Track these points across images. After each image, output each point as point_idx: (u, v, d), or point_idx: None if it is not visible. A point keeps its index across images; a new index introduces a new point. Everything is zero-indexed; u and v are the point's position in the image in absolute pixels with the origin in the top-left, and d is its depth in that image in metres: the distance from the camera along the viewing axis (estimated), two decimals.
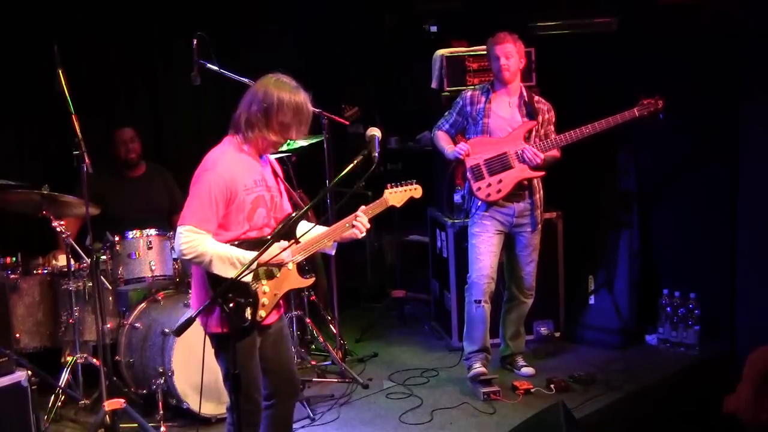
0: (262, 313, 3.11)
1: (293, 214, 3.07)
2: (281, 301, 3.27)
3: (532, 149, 4.41)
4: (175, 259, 4.55)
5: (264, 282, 3.12)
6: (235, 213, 3.08)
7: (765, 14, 4.53)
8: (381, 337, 5.69)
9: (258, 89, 3.13)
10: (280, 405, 3.35)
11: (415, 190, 3.42)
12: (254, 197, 3.12)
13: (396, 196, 3.39)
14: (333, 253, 3.41)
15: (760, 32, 4.62)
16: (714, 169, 5.11)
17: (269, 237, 3.06)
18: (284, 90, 3.10)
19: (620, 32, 5.18)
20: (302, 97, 3.12)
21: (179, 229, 3.01)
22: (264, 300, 3.12)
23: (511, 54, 4.43)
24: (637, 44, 5.23)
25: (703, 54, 4.99)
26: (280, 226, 3.01)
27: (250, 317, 3.07)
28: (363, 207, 3.29)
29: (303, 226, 3.27)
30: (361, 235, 3.25)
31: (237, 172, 3.07)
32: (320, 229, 3.29)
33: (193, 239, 2.97)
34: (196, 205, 3.02)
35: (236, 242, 3.07)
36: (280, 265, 3.14)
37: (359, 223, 3.22)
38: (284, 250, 3.04)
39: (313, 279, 3.32)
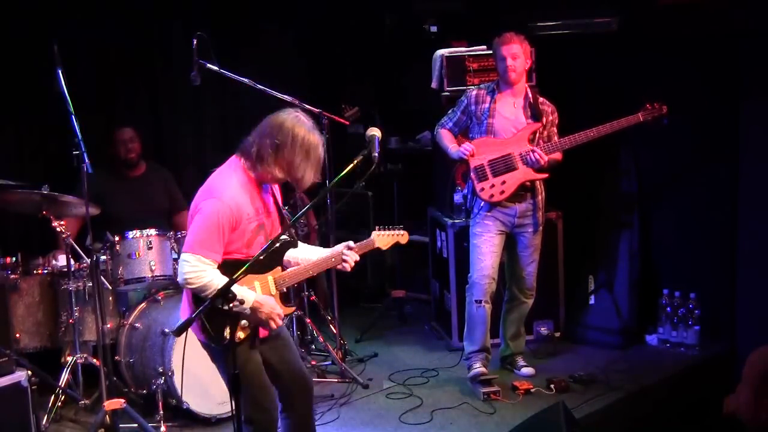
0: (240, 334, 3.08)
1: (273, 240, 2.97)
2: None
3: (539, 151, 4.41)
4: (175, 259, 4.55)
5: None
6: (236, 240, 3.09)
7: (764, 14, 4.53)
8: (381, 337, 5.69)
9: (274, 122, 3.11)
10: (297, 409, 3.33)
11: (402, 236, 3.48)
12: (255, 225, 3.13)
13: (383, 239, 3.45)
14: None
15: (759, 32, 4.62)
16: (714, 169, 5.11)
17: (252, 257, 3.00)
18: (300, 128, 3.07)
19: (620, 32, 5.18)
20: (316, 139, 3.09)
21: (184, 255, 3.00)
22: (243, 321, 3.09)
23: (517, 55, 4.43)
24: (637, 44, 5.23)
25: (703, 54, 4.99)
26: (261, 251, 2.93)
27: (228, 336, 3.01)
28: (351, 243, 3.31)
29: (293, 253, 3.29)
30: (349, 269, 3.28)
31: (242, 201, 3.08)
32: (309, 255, 3.31)
33: (201, 270, 2.98)
34: (204, 233, 3.01)
35: (224, 259, 3.08)
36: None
37: (349, 259, 3.26)
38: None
39: (294, 309, 3.34)
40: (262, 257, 2.90)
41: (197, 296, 3.06)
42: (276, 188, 3.33)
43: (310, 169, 3.09)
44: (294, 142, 3.05)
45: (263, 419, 3.15)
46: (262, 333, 3.19)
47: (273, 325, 3.10)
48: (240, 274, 2.78)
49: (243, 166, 3.15)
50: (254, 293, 3.09)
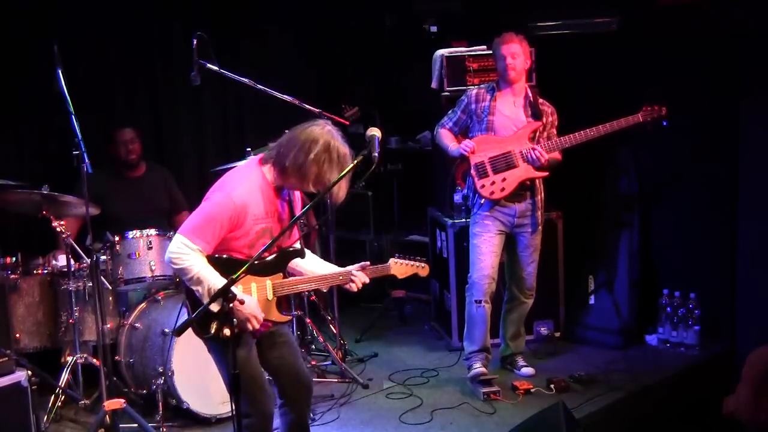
0: (226, 331, 3.04)
1: (271, 243, 3.00)
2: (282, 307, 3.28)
3: (540, 149, 4.42)
4: None
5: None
6: (239, 238, 3.11)
7: (764, 14, 4.53)
8: (381, 337, 5.69)
9: (308, 134, 3.08)
10: (295, 406, 3.35)
11: (423, 269, 3.39)
12: (261, 228, 3.13)
13: (400, 267, 3.36)
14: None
15: (759, 32, 4.62)
16: (714, 169, 5.11)
17: (249, 259, 3.01)
18: (333, 141, 3.06)
19: (620, 32, 5.18)
20: (347, 152, 3.08)
21: (176, 235, 3.06)
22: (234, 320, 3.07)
23: (517, 54, 4.44)
24: (637, 44, 5.23)
25: (703, 54, 4.99)
26: (257, 254, 2.95)
27: (212, 332, 3.05)
28: (364, 263, 3.28)
29: (301, 263, 3.30)
30: (355, 290, 3.25)
31: (251, 201, 3.09)
32: (316, 268, 3.31)
33: (185, 253, 3.02)
34: (200, 220, 3.06)
35: (224, 256, 3.10)
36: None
37: (357, 280, 3.22)
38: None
39: (290, 318, 3.31)
40: (257, 261, 2.91)
41: (191, 293, 3.09)
42: (297, 196, 3.33)
43: (344, 181, 3.07)
44: (330, 155, 3.04)
45: (258, 413, 3.16)
46: (264, 328, 3.19)
47: (249, 327, 3.08)
48: (240, 275, 2.78)
49: (263, 170, 3.16)
50: (236, 291, 3.04)
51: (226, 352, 3.04)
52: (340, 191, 3.10)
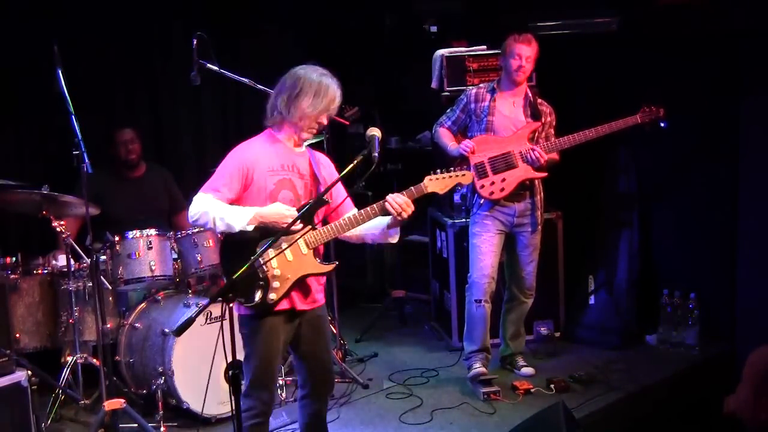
0: (272, 296, 3.12)
1: (310, 201, 3.09)
2: (319, 292, 3.32)
3: (539, 150, 4.42)
4: (175, 259, 4.55)
5: (275, 265, 3.12)
6: (257, 192, 3.17)
7: (764, 14, 4.53)
8: (381, 337, 5.69)
9: (286, 75, 3.20)
10: (314, 398, 3.38)
11: (464, 177, 3.21)
12: (279, 179, 3.19)
13: (437, 183, 3.19)
14: (394, 240, 3.34)
15: (759, 32, 4.62)
16: (714, 169, 5.11)
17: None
18: (310, 72, 3.17)
19: (620, 32, 5.18)
20: (327, 81, 3.16)
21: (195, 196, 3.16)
22: (275, 283, 3.12)
23: (530, 58, 4.44)
24: (636, 44, 5.23)
25: (703, 54, 5.00)
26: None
27: (259, 299, 3.10)
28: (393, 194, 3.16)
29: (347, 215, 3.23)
30: (405, 216, 3.11)
31: (261, 154, 3.19)
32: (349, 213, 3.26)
33: (200, 202, 3.11)
34: (212, 177, 3.17)
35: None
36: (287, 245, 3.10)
37: (394, 202, 3.08)
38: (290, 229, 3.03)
39: (333, 266, 3.25)
40: (253, 258, 2.92)
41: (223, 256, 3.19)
42: (321, 158, 3.36)
43: (325, 105, 3.16)
44: (304, 83, 3.14)
45: (260, 395, 3.18)
46: (300, 306, 3.22)
47: (283, 224, 3.05)
48: (241, 272, 2.79)
49: (270, 131, 3.28)
50: (253, 209, 3.10)
51: (252, 328, 3.13)
52: (318, 114, 3.16)
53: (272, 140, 3.26)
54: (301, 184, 3.25)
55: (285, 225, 3.04)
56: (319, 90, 3.15)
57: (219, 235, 3.52)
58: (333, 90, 3.19)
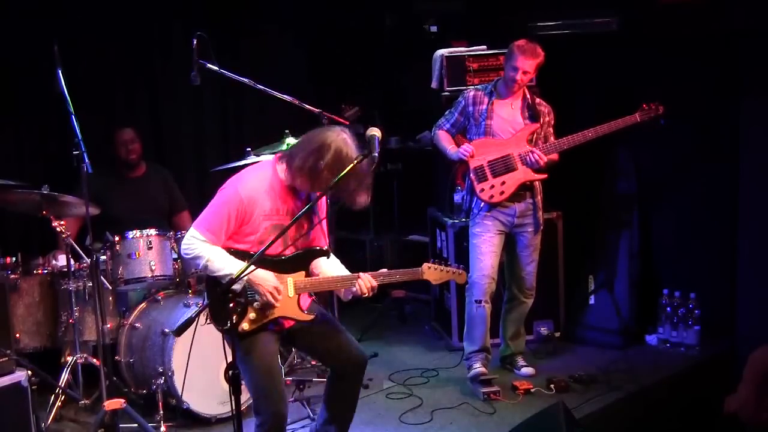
0: (245, 325, 3.16)
1: (268, 245, 3.00)
2: (307, 299, 3.35)
3: (538, 152, 4.42)
4: (175, 259, 4.55)
5: (257, 298, 3.17)
6: (248, 233, 3.19)
7: (764, 14, 4.53)
8: (381, 337, 5.69)
9: (319, 139, 3.13)
10: (347, 380, 3.45)
11: (459, 276, 3.37)
12: (270, 224, 3.19)
13: (433, 272, 3.34)
14: (345, 298, 3.42)
15: (759, 32, 4.62)
16: (714, 169, 5.11)
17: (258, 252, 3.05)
18: (340, 144, 3.10)
19: (620, 32, 5.18)
20: (354, 155, 3.09)
21: (190, 228, 3.18)
22: (252, 314, 3.17)
23: (529, 72, 4.40)
24: (637, 44, 5.23)
25: (703, 54, 4.99)
26: (257, 254, 2.96)
27: (230, 326, 3.09)
28: (384, 270, 3.31)
29: (323, 264, 3.33)
30: (359, 293, 3.25)
31: (259, 197, 3.16)
32: (334, 270, 3.34)
33: (194, 243, 3.16)
34: (210, 213, 3.19)
35: (233, 250, 3.19)
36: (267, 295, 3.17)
37: (362, 283, 3.23)
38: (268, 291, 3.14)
39: (311, 317, 3.32)
40: (253, 263, 2.93)
41: (209, 281, 3.23)
42: (323, 205, 3.37)
43: (361, 190, 3.12)
44: (340, 163, 3.06)
45: (268, 411, 3.19)
46: (287, 324, 3.27)
47: (270, 299, 3.14)
48: (241, 272, 2.82)
49: (277, 169, 3.23)
50: (246, 273, 3.06)
51: (244, 347, 3.16)
52: (361, 197, 3.14)
53: (273, 179, 3.22)
54: (293, 228, 3.21)
55: (271, 300, 3.14)
56: (344, 167, 3.05)
57: None
58: (360, 167, 3.08)
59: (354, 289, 3.26)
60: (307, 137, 3.19)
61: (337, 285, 3.31)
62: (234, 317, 3.12)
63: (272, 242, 2.93)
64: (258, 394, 3.20)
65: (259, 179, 3.21)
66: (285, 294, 3.21)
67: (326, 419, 3.49)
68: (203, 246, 3.14)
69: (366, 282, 3.23)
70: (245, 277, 2.98)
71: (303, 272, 3.26)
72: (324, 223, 3.38)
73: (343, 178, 3.00)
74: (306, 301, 3.35)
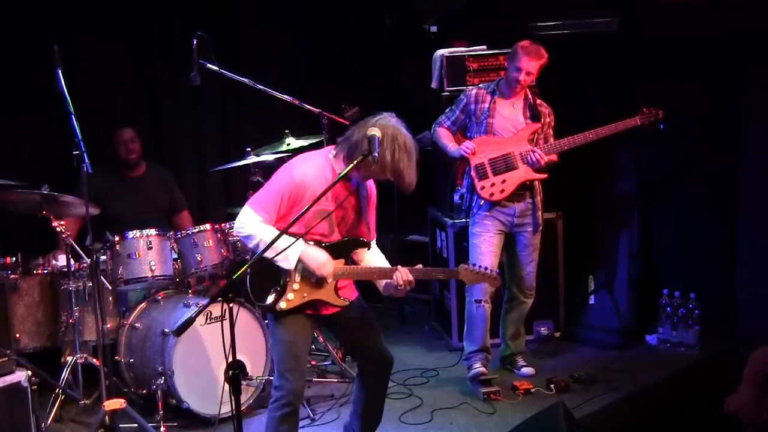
0: (282, 304, 3.25)
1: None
2: (349, 289, 3.42)
3: (539, 151, 4.42)
4: (175, 259, 4.55)
5: (298, 279, 3.24)
6: (296, 215, 3.19)
7: (764, 14, 4.53)
8: None
9: (368, 124, 3.18)
10: (372, 380, 3.51)
11: (494, 280, 3.45)
12: (319, 209, 3.21)
13: (469, 274, 3.40)
14: (385, 293, 3.45)
15: (759, 32, 4.62)
16: (714, 169, 5.11)
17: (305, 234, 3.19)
18: (400, 135, 3.18)
19: (620, 32, 5.18)
20: (409, 138, 3.20)
21: (245, 206, 3.27)
22: (290, 295, 3.25)
23: (533, 72, 4.42)
24: (637, 44, 5.23)
25: (703, 54, 5.00)
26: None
27: (269, 303, 3.23)
28: (420, 265, 3.36)
29: (365, 255, 3.41)
30: (401, 291, 3.28)
31: (311, 182, 3.23)
32: (374, 261, 3.41)
33: (247, 221, 3.23)
34: (264, 194, 3.28)
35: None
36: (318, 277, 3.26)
37: (398, 276, 3.24)
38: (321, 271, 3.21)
39: (346, 303, 3.38)
40: (262, 258, 3.00)
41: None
42: (370, 191, 3.43)
43: (412, 168, 3.21)
44: (397, 144, 3.15)
45: (286, 383, 3.27)
46: (324, 311, 3.35)
47: (318, 273, 3.23)
48: (241, 272, 2.83)
49: (332, 156, 3.30)
50: (298, 249, 3.19)
51: (279, 325, 3.28)
52: (409, 178, 3.21)
53: (327, 167, 3.28)
54: (339, 215, 3.31)
55: (321, 275, 3.22)
56: (408, 151, 3.18)
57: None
58: (414, 147, 3.23)
59: (392, 281, 3.30)
60: (358, 126, 3.25)
61: (374, 276, 3.37)
62: (273, 296, 3.22)
63: (275, 239, 2.97)
64: (281, 369, 3.29)
65: (311, 166, 3.28)
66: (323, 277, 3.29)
67: (352, 419, 3.62)
68: (258, 226, 3.20)
69: (403, 275, 3.26)
70: (296, 257, 3.13)
71: (343, 260, 3.32)
72: (373, 215, 3.44)
73: (395, 162, 3.11)
74: (345, 289, 3.41)
